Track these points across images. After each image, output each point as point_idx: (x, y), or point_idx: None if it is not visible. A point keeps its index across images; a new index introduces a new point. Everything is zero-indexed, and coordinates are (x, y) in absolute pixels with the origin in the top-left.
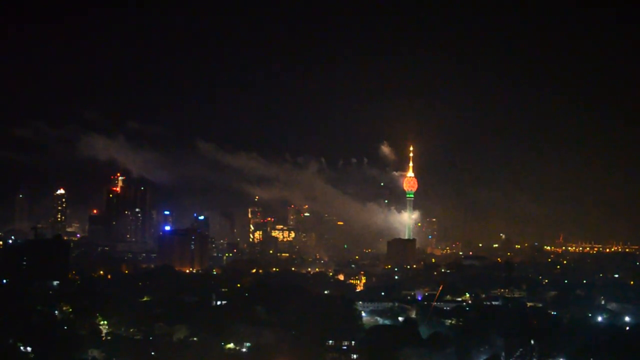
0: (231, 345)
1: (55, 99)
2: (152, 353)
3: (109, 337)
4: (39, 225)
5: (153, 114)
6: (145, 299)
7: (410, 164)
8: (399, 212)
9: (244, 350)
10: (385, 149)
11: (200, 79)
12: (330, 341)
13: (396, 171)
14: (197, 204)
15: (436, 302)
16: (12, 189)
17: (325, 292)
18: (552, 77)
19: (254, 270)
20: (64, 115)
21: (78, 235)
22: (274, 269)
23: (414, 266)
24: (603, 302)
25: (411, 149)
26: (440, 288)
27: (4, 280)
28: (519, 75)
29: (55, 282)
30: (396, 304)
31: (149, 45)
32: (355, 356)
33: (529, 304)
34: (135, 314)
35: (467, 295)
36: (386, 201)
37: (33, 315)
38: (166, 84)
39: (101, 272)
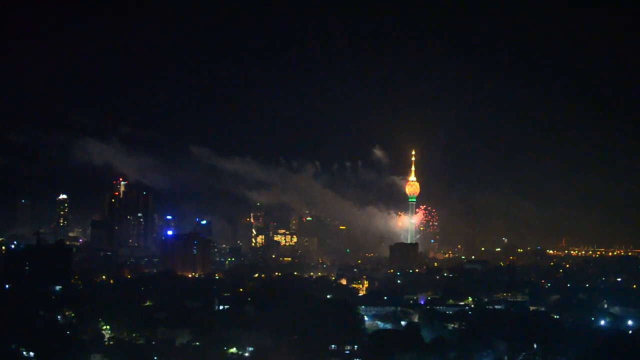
0: (233, 350)
1: (48, 104)
2: (155, 358)
3: (111, 342)
4: (42, 230)
5: (145, 119)
6: (147, 303)
7: (412, 168)
8: (398, 215)
9: (246, 354)
10: (378, 153)
11: (192, 84)
12: (333, 346)
13: (397, 175)
14: (199, 209)
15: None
16: (14, 194)
17: (328, 296)
18: (555, 82)
19: (256, 275)
20: (57, 121)
21: (80, 240)
22: (277, 274)
23: (417, 270)
24: (606, 306)
25: (413, 153)
26: None
27: (7, 285)
28: (522, 80)
29: (57, 287)
30: (399, 308)
31: (142, 51)
32: None
33: (531, 308)
34: (137, 319)
35: (470, 299)
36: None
37: (35, 320)
38: (158, 89)
39: (103, 277)
